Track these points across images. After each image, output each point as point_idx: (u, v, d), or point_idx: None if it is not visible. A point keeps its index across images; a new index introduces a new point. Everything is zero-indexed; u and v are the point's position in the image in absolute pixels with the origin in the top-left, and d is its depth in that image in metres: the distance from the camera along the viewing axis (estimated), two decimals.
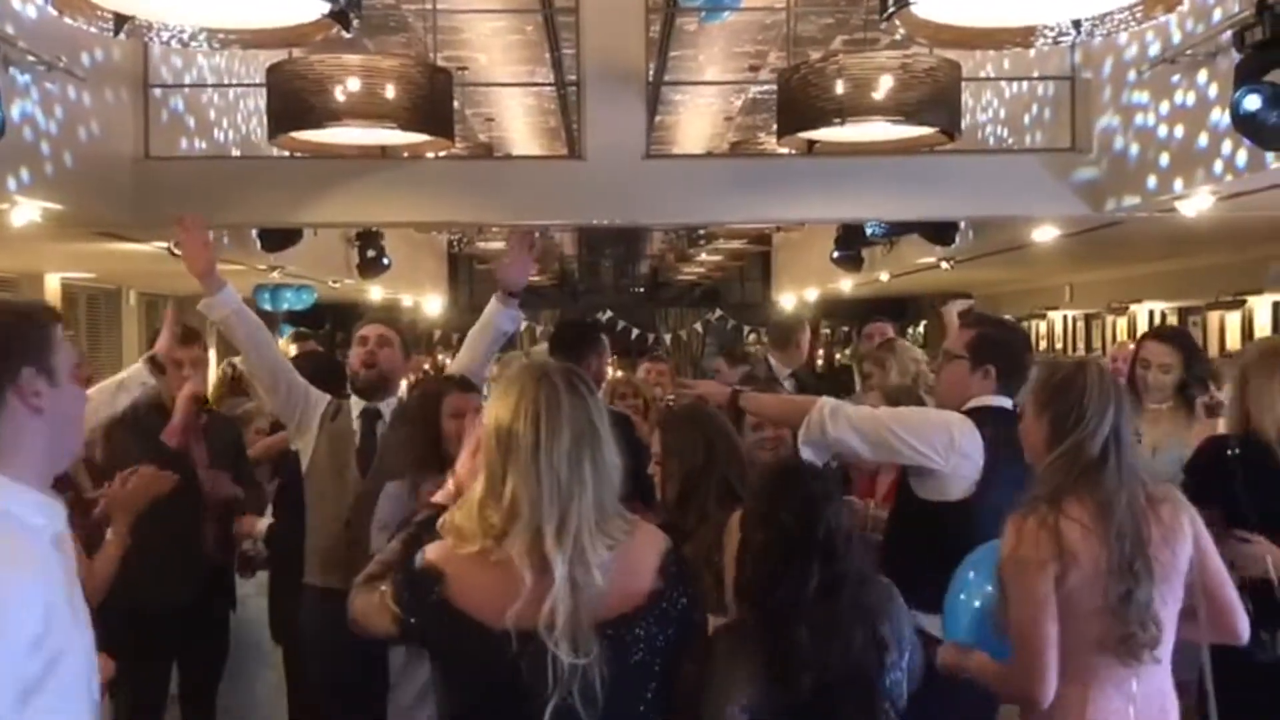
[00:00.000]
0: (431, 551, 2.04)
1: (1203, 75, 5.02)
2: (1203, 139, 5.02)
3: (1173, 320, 9.66)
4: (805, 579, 2.25)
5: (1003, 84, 7.78)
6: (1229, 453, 3.39)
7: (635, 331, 18.23)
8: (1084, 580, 2.47)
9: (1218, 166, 4.91)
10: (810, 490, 2.39)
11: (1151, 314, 10.17)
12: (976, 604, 2.71)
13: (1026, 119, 7.29)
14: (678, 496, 2.92)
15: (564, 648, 1.90)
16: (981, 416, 3.33)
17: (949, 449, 3.25)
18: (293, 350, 7.01)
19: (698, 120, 11.56)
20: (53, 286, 9.15)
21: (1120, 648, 2.47)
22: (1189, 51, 5.01)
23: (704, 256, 16.81)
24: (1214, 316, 8.88)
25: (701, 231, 14.36)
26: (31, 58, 4.72)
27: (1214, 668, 2.76)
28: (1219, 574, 2.64)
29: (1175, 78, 5.26)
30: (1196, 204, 5.37)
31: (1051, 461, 2.55)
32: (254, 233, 7.70)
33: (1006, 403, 3.42)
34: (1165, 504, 2.57)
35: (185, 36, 3.14)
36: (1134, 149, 5.76)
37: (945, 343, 3.65)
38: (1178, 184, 5.31)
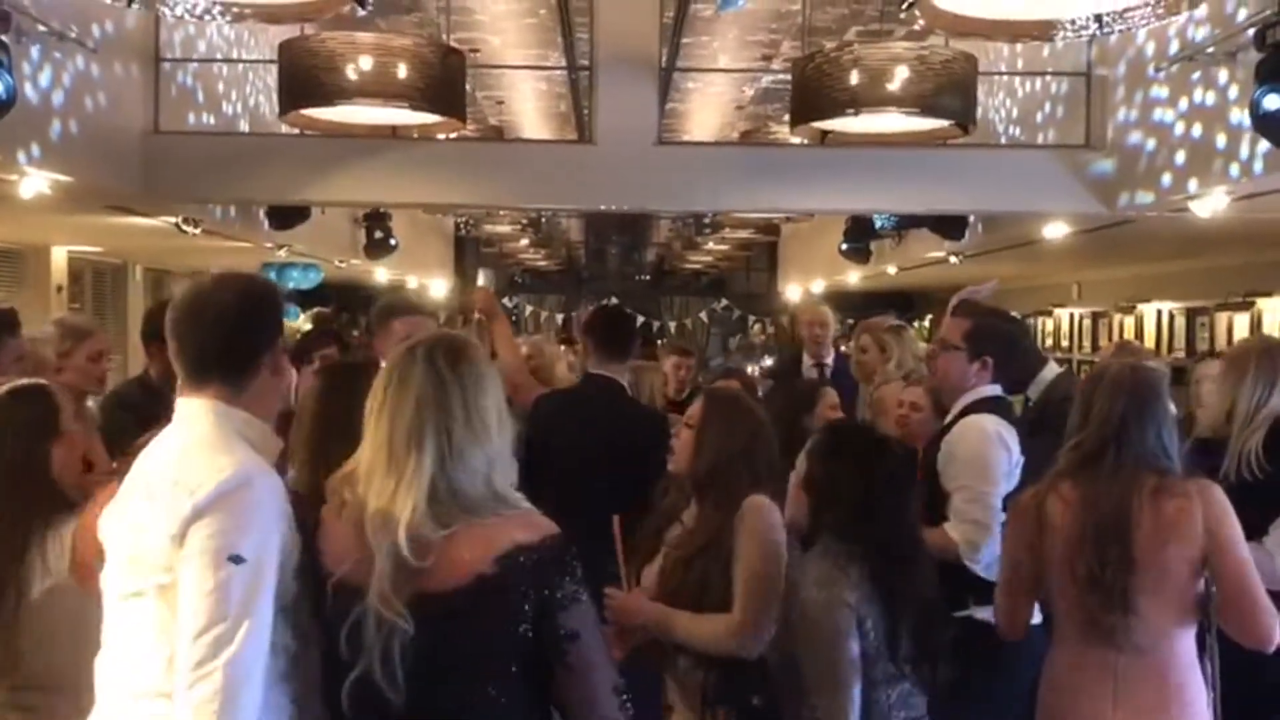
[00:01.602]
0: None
1: (1223, 74, 4.98)
2: (1220, 139, 4.98)
3: (1180, 321, 9.62)
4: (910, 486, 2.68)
5: (1016, 83, 7.73)
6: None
7: (640, 319, 18.22)
8: (1055, 542, 2.63)
9: (1234, 168, 4.87)
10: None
11: (1159, 314, 10.13)
12: None
13: (1039, 117, 7.25)
14: (708, 471, 2.87)
15: (371, 615, 1.90)
16: (986, 408, 3.34)
17: (1014, 463, 3.30)
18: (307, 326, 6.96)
19: (708, 108, 11.51)
20: (59, 259, 9.11)
21: (1090, 631, 2.58)
22: (1209, 50, 4.97)
23: (711, 246, 16.74)
24: (1222, 317, 8.84)
25: (708, 220, 14.31)
26: (43, 28, 4.70)
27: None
28: (1237, 575, 2.52)
29: (1194, 76, 5.22)
30: (1211, 204, 5.33)
31: (1063, 452, 2.73)
32: (261, 211, 7.69)
33: (999, 391, 3.45)
34: (1176, 499, 2.54)
35: (198, 10, 3.12)
36: (1149, 146, 5.72)
37: (940, 332, 3.62)
38: (1192, 184, 5.27)
